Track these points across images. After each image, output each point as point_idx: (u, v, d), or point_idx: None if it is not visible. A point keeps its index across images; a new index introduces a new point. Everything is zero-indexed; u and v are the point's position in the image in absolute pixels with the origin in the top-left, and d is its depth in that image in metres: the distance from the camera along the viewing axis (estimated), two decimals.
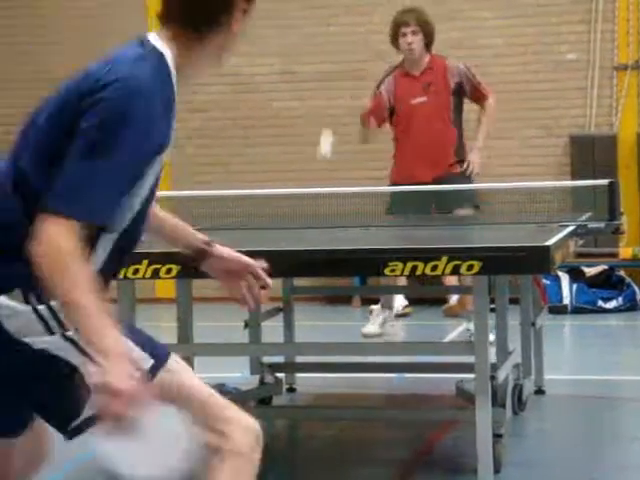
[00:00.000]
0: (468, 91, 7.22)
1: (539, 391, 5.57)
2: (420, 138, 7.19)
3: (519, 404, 5.08)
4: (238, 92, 10.13)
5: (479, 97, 7.29)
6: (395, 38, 7.18)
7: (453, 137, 7.25)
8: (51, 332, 2.39)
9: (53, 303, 2.34)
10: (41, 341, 2.39)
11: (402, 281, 7.48)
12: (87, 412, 2.43)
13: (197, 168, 10.10)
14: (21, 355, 2.40)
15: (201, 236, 2.85)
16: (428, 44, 7.19)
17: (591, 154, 9.51)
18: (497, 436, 3.97)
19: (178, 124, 9.57)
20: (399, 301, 8.78)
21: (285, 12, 10.03)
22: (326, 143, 6.75)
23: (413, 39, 7.04)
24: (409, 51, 7.10)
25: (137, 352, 2.43)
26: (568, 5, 9.60)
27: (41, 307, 2.37)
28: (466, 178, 7.18)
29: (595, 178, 5.47)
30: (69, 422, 2.51)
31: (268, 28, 10.02)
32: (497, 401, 4.09)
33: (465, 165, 7.21)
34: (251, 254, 3.83)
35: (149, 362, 2.46)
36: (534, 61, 9.67)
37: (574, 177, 9.14)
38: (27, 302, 2.37)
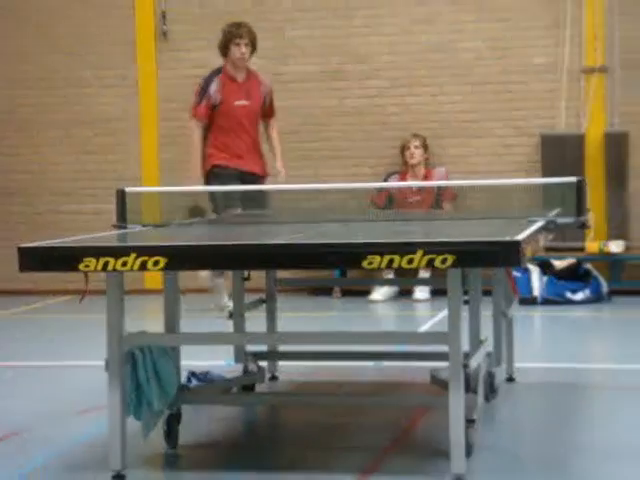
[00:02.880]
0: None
1: (510, 379, 5.59)
2: None
3: (491, 391, 5.09)
4: None
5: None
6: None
7: None
8: None
9: None
10: None
11: None
12: None
13: (187, 165, 10.05)
14: None
15: None
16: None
17: (560, 153, 9.54)
18: (469, 421, 3.97)
19: (170, 123, 9.59)
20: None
21: (271, 16, 10.02)
22: None
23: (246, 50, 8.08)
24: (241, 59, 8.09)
25: None
26: (538, 11, 9.62)
27: None
28: None
29: (564, 176, 5.46)
30: None
31: (255, 31, 10.00)
32: (470, 388, 4.09)
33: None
34: (237, 247, 3.85)
35: None
36: (508, 64, 9.69)
37: (544, 174, 9.16)
38: None
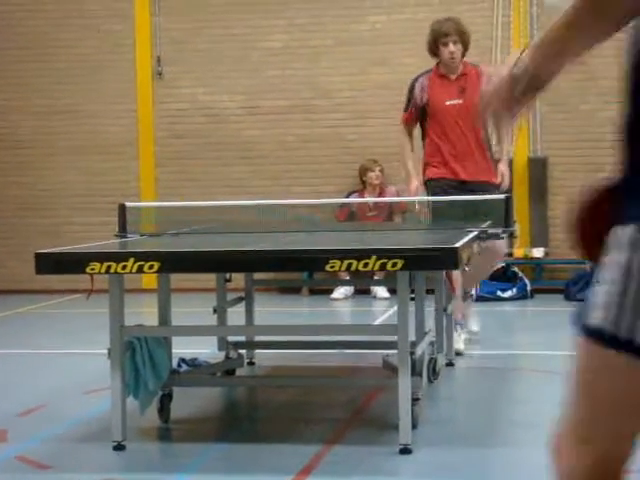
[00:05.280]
0: None
1: (449, 364, 5.58)
2: None
3: (433, 374, 5.08)
4: (212, 122, 10.05)
5: None
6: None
7: None
8: None
9: None
10: None
11: None
12: None
13: (178, 183, 10.02)
14: None
15: None
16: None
17: None
18: (415, 400, 3.96)
19: (165, 148, 9.50)
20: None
21: (249, 58, 9.99)
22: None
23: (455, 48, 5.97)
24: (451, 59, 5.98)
25: None
26: (472, 58, 9.62)
27: None
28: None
29: (495, 193, 5.46)
30: None
31: (236, 71, 9.99)
32: (415, 371, 4.08)
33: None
34: (221, 253, 3.82)
35: None
36: None
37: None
38: None
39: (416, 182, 5.94)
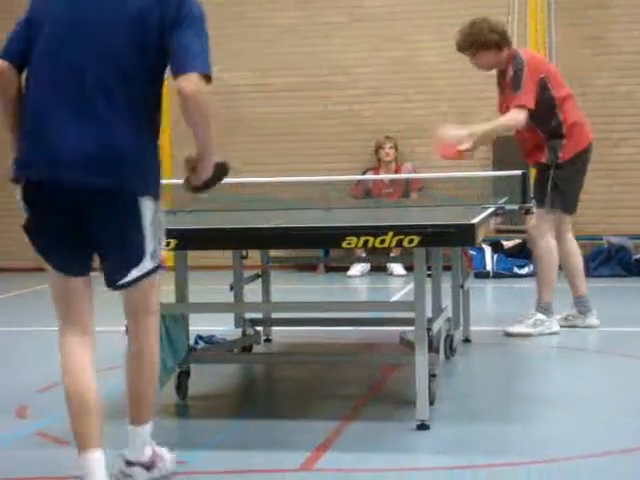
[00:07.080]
0: None
1: (466, 340, 5.60)
2: None
3: (450, 350, 5.10)
4: (222, 100, 10.04)
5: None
6: None
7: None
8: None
9: None
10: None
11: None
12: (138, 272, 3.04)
13: None
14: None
15: None
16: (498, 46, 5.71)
17: (508, 150, 9.53)
18: (432, 376, 3.98)
19: (178, 126, 9.43)
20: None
21: (260, 34, 9.97)
22: None
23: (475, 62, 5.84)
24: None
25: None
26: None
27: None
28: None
29: (511, 170, 5.46)
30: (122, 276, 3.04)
31: (247, 48, 9.98)
32: (432, 348, 4.10)
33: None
34: (237, 231, 3.84)
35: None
36: (462, 76, 9.65)
37: (495, 168, 9.17)
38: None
39: (466, 131, 5.76)
